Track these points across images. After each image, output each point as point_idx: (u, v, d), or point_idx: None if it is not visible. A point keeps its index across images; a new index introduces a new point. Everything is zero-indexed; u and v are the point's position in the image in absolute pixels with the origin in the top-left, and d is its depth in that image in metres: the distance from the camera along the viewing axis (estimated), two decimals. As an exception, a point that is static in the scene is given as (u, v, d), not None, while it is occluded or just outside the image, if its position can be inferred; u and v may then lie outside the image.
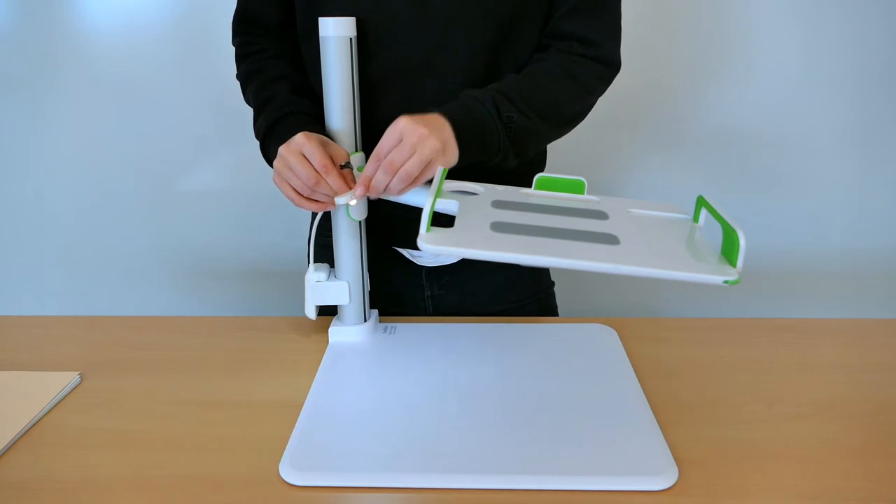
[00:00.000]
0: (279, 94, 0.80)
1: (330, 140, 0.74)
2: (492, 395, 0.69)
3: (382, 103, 0.80)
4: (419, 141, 0.67)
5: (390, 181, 0.68)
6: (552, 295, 1.01)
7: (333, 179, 0.70)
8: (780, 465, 0.59)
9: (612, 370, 0.74)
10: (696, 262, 0.62)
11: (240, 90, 0.87)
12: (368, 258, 0.83)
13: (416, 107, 0.72)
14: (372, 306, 0.86)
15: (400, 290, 0.94)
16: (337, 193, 0.71)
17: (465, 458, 0.59)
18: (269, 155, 0.79)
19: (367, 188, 0.70)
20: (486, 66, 0.79)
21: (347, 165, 0.73)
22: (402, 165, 0.67)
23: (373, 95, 0.80)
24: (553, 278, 1.01)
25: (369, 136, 0.79)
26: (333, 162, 0.71)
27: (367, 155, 0.79)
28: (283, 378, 0.74)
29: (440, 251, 0.60)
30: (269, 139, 0.79)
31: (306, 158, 0.70)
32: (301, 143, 0.70)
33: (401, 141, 0.68)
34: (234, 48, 0.88)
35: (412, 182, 0.69)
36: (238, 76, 0.86)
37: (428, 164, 0.68)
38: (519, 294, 0.95)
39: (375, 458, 0.59)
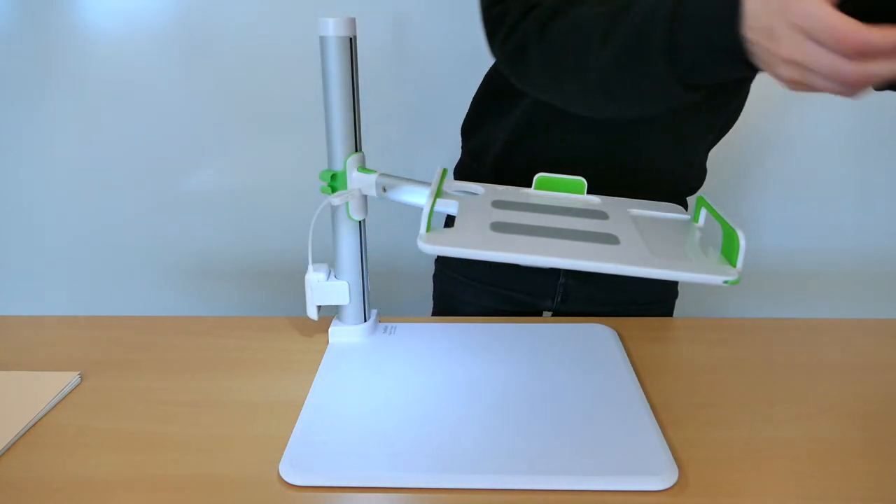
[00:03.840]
0: None
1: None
2: (491, 394, 0.69)
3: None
4: None
5: None
6: (674, 299, 1.01)
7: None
8: (780, 465, 0.59)
9: (612, 370, 0.74)
10: (696, 262, 0.62)
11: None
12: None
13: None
14: (502, 291, 0.88)
15: (533, 274, 0.94)
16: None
17: (465, 458, 0.59)
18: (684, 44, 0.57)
19: None
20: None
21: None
22: None
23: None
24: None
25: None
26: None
27: (366, 156, 0.80)
28: (283, 378, 0.74)
29: (439, 252, 0.60)
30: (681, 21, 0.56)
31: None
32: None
33: None
34: (490, 23, 0.73)
35: None
36: (517, 40, 0.69)
37: None
38: (649, 297, 0.95)
39: (375, 458, 0.59)
